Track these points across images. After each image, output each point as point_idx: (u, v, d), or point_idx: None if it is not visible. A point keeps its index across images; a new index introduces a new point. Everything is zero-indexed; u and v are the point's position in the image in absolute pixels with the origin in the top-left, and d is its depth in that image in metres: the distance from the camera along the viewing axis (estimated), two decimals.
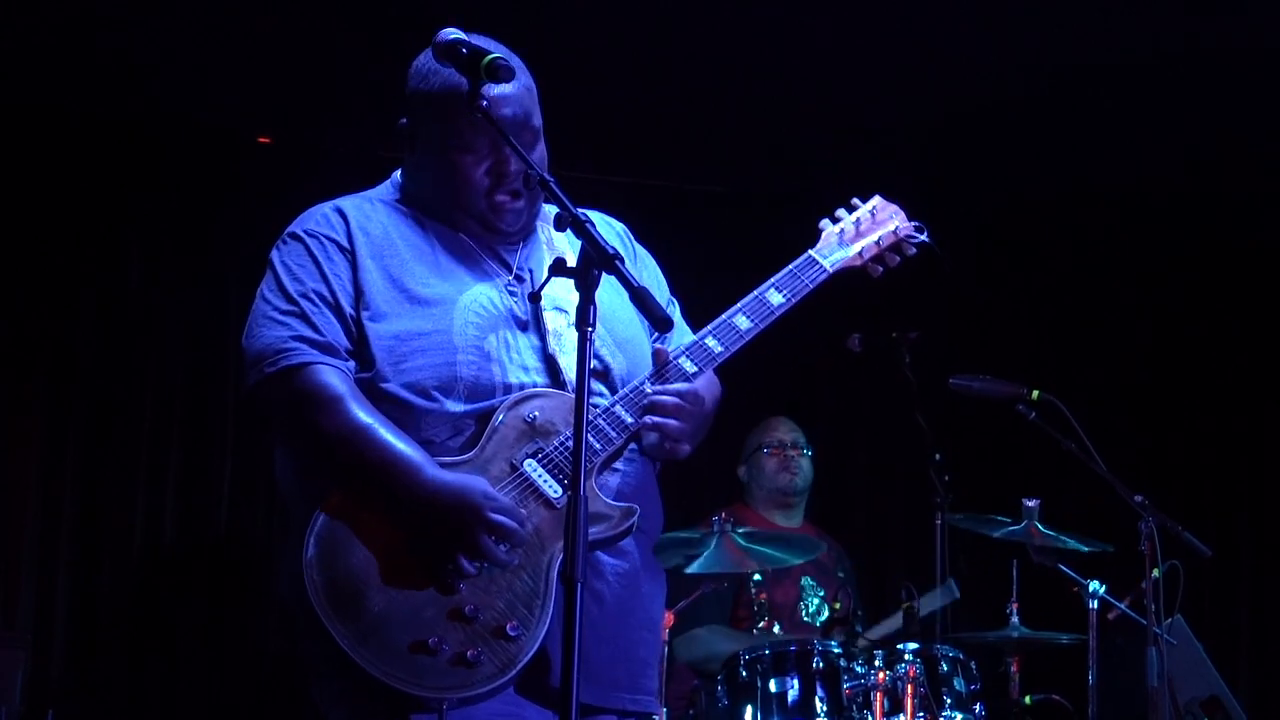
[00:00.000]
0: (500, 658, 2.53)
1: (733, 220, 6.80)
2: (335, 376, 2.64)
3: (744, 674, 4.66)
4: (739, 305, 2.91)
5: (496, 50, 2.62)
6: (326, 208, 2.89)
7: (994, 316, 7.12)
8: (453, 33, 2.61)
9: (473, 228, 2.80)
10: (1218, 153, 6.40)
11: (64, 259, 6.11)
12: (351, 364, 2.68)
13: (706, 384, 2.87)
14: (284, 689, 5.84)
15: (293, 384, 2.63)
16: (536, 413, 2.68)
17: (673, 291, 3.06)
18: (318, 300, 2.70)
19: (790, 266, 3.04)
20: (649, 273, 3.00)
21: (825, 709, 4.58)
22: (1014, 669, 5.08)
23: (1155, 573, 4.58)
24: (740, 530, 4.94)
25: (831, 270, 3.09)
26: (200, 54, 5.75)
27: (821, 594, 5.51)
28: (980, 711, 4.78)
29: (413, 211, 2.83)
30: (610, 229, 2.96)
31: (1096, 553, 5.05)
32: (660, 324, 2.47)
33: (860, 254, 3.17)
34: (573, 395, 2.56)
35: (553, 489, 2.64)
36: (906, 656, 4.64)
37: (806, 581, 5.52)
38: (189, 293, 6.24)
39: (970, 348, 6.65)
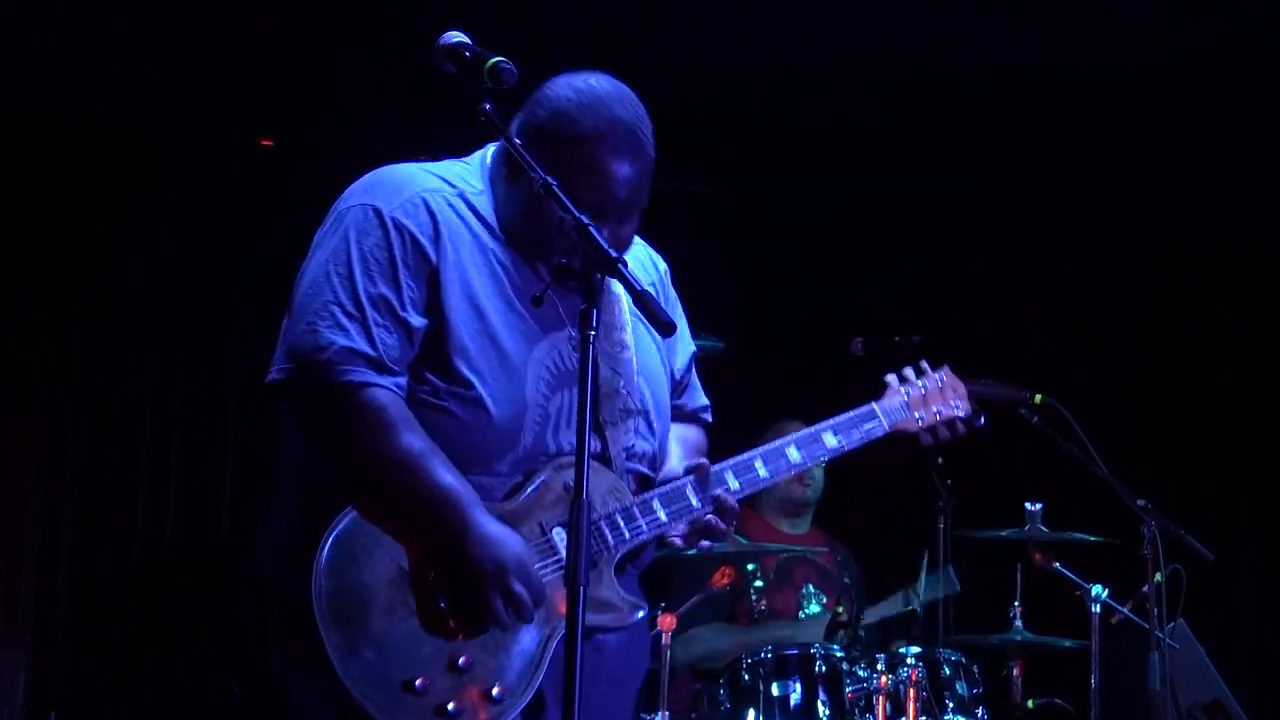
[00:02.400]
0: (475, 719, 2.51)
1: (733, 221, 6.81)
2: (389, 400, 2.54)
3: (746, 677, 4.66)
4: (793, 438, 3.02)
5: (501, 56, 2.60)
6: (415, 193, 2.67)
7: (996, 320, 7.11)
8: (455, 36, 2.60)
9: (544, 271, 2.70)
10: (1219, 153, 6.39)
11: (65, 259, 6.11)
12: (404, 380, 2.59)
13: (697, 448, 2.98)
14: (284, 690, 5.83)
15: (344, 401, 2.53)
16: None
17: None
18: (384, 310, 2.58)
19: (852, 414, 3.23)
20: (679, 322, 3.00)
21: (827, 712, 4.57)
22: (1016, 673, 5.08)
23: (1157, 577, 4.58)
24: (742, 540, 4.98)
25: (888, 430, 3.28)
26: (202, 56, 5.75)
27: (823, 600, 5.50)
28: (982, 715, 4.77)
29: (498, 226, 2.71)
30: (646, 266, 2.94)
31: (1100, 552, 5.05)
32: (664, 328, 2.46)
33: (919, 420, 3.34)
34: (614, 474, 2.68)
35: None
36: (909, 660, 4.64)
37: (808, 588, 5.51)
38: (189, 293, 6.24)
39: (972, 351, 6.62)
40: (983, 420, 3.30)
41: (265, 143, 6.40)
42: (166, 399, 6.18)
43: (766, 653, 4.69)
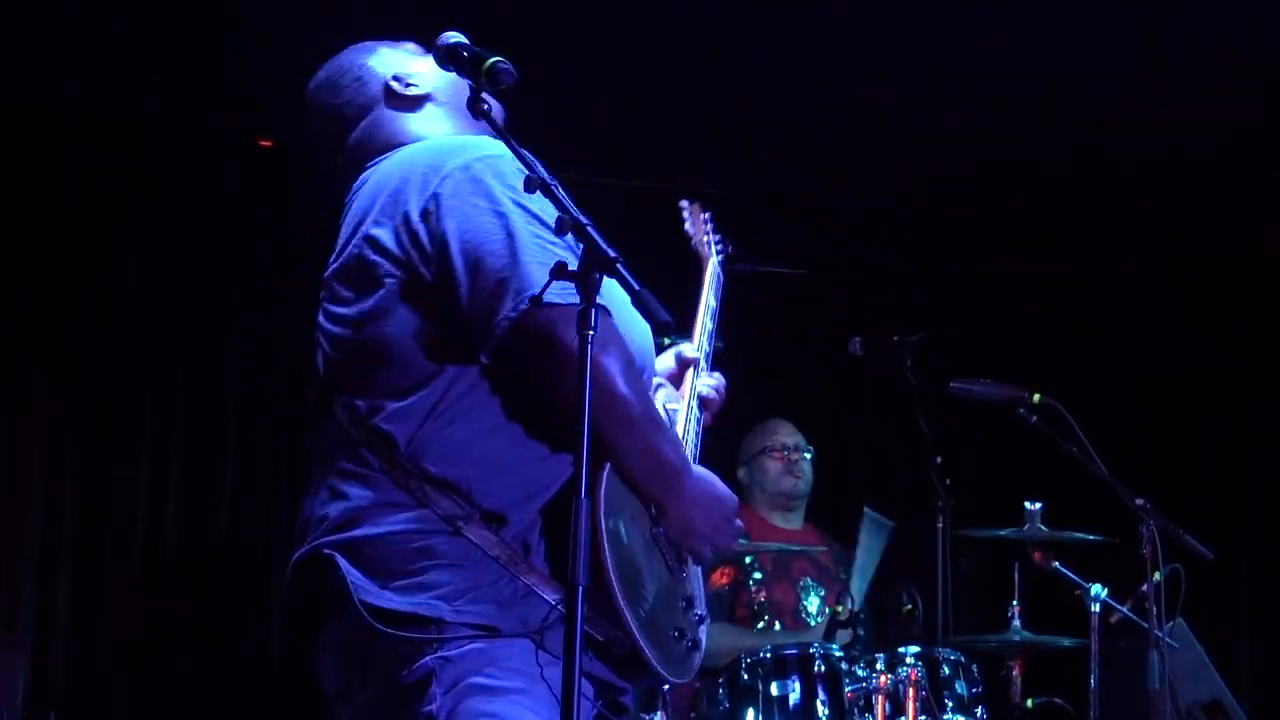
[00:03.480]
0: (700, 647, 2.61)
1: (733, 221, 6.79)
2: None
3: (745, 677, 4.66)
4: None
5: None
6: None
7: (996, 320, 7.12)
8: (454, 36, 2.61)
9: None
10: (1221, 153, 6.40)
11: (65, 259, 6.11)
12: None
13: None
14: (285, 690, 5.84)
15: (600, 323, 2.33)
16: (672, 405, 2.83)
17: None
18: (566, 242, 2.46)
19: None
20: None
21: (827, 712, 4.58)
22: (1016, 672, 5.09)
23: (1156, 576, 4.58)
24: (743, 539, 4.97)
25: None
26: (201, 56, 5.75)
27: (822, 594, 5.50)
28: (982, 714, 4.77)
29: None
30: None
31: (1099, 552, 5.05)
32: (662, 327, 2.46)
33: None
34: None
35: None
36: (908, 660, 4.64)
37: (807, 581, 5.52)
38: (190, 293, 6.24)
39: (971, 351, 6.66)
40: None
41: (265, 143, 6.41)
42: (166, 399, 6.18)
43: (766, 652, 4.70)
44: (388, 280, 2.53)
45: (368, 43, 2.99)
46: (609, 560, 2.37)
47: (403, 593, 2.42)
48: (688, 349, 3.00)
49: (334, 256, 2.68)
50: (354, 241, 2.61)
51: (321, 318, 2.67)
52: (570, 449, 2.38)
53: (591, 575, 2.27)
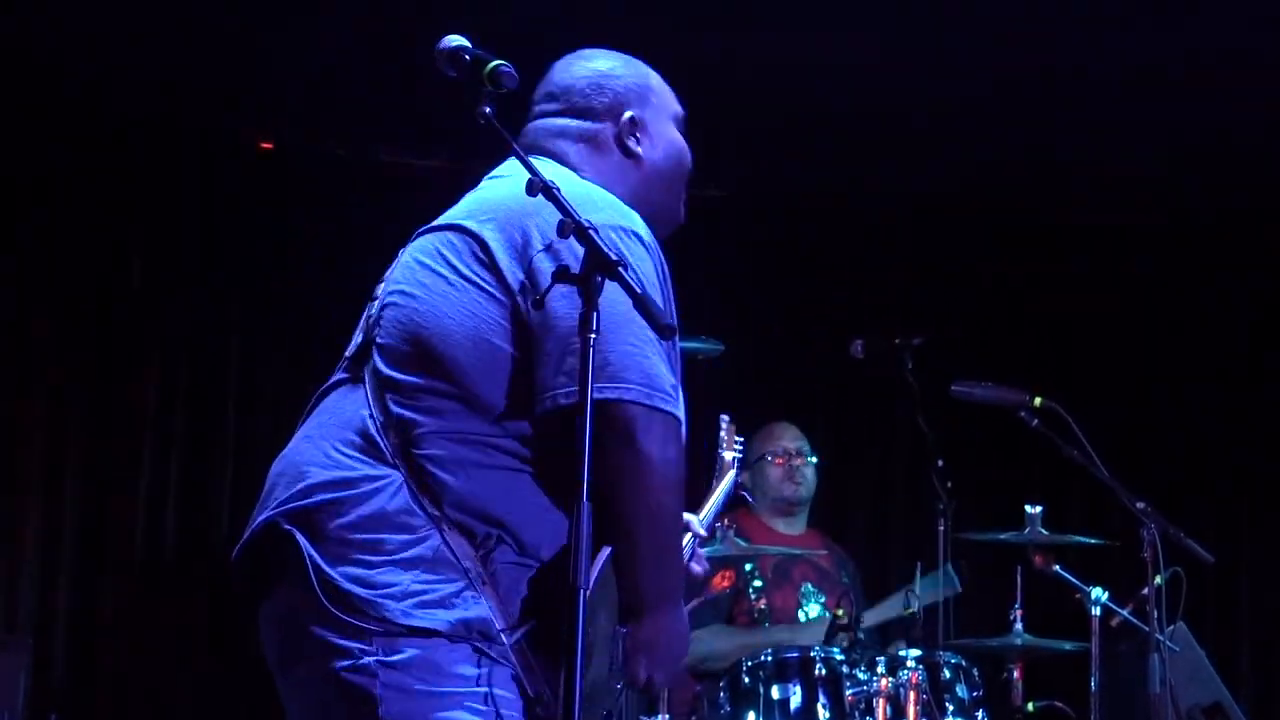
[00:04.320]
0: None
1: (732, 222, 6.81)
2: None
3: (746, 680, 4.66)
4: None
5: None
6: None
7: (996, 320, 7.12)
8: (455, 40, 2.60)
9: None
10: (1223, 153, 6.39)
11: (66, 260, 6.11)
12: None
13: None
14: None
15: (676, 438, 2.47)
16: None
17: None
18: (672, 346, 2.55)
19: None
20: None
21: (828, 715, 4.58)
22: (1016, 675, 5.08)
23: (1157, 579, 4.57)
24: (741, 541, 4.98)
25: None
26: (202, 58, 5.75)
27: (821, 599, 5.50)
28: (982, 718, 4.77)
29: None
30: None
31: (1100, 555, 5.06)
32: (664, 331, 2.45)
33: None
34: None
35: None
36: (909, 663, 4.64)
37: (807, 587, 5.51)
38: (191, 295, 6.24)
39: (972, 354, 6.65)
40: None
41: (265, 145, 6.41)
42: (168, 401, 6.18)
43: (767, 655, 4.69)
44: (499, 292, 2.50)
45: (654, 73, 2.91)
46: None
47: (357, 583, 2.41)
48: (694, 521, 2.94)
49: (467, 215, 2.61)
50: (509, 228, 2.54)
51: (404, 273, 2.61)
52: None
53: (555, 635, 2.31)
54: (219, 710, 5.98)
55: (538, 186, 2.43)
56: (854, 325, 5.69)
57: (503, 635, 2.43)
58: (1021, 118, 6.17)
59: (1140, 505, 4.63)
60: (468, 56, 2.57)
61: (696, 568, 2.90)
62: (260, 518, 2.56)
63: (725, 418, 3.75)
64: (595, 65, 2.86)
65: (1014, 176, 6.71)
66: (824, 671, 4.62)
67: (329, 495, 2.47)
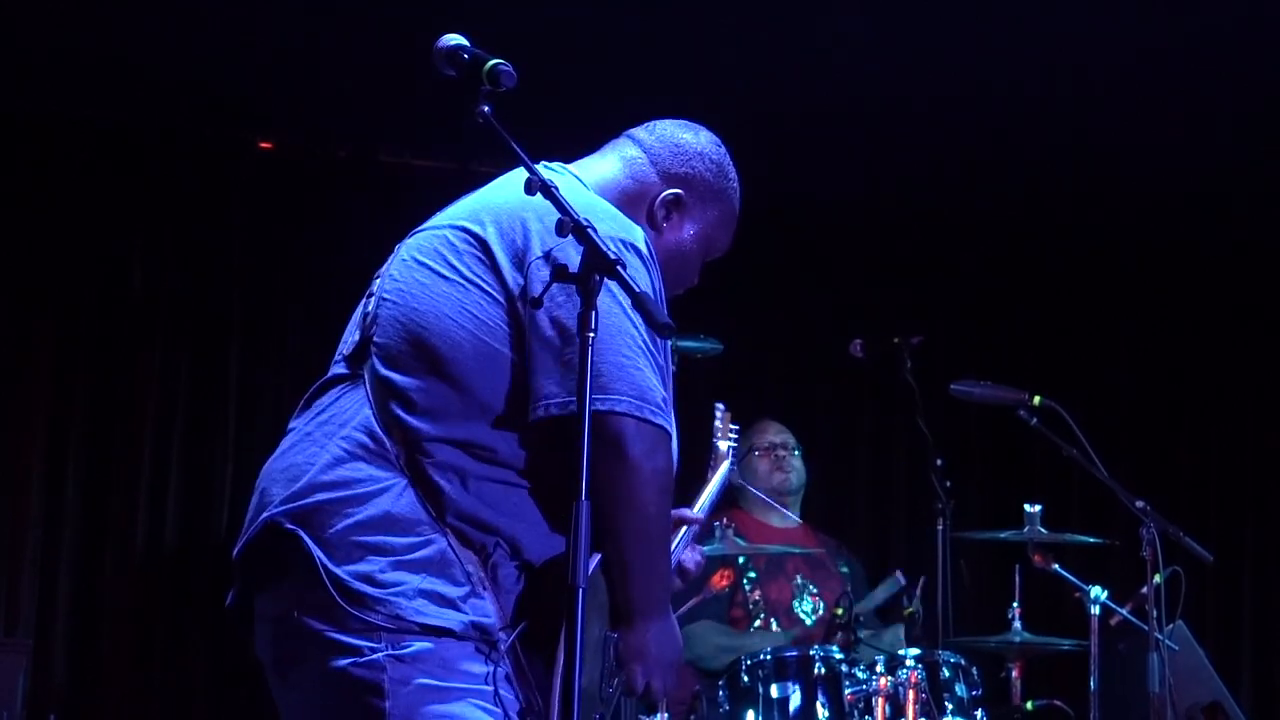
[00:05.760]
0: None
1: None
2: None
3: (745, 679, 4.66)
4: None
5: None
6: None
7: (996, 322, 7.12)
8: (454, 39, 2.59)
9: None
10: (1223, 154, 6.40)
11: (65, 259, 6.11)
12: None
13: None
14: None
15: (665, 449, 2.50)
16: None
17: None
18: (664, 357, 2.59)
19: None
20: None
21: (827, 714, 4.58)
22: (1015, 675, 5.09)
23: (1157, 578, 4.58)
24: (740, 540, 4.98)
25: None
26: (202, 58, 5.75)
27: (815, 590, 5.50)
28: (981, 717, 4.78)
29: None
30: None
31: (1099, 554, 5.06)
32: (661, 330, 2.45)
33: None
34: None
35: None
36: (908, 662, 4.65)
37: (800, 579, 5.51)
38: (191, 295, 6.25)
39: (972, 353, 6.66)
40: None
41: (265, 145, 6.41)
42: (168, 401, 6.18)
43: (765, 654, 4.70)
44: (499, 294, 2.51)
45: (736, 192, 2.98)
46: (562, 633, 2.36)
47: (365, 581, 2.42)
48: (689, 511, 3.00)
49: (468, 215, 2.62)
50: (510, 231, 2.55)
51: (402, 269, 2.62)
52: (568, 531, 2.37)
53: (545, 642, 2.37)
54: (219, 710, 5.99)
55: (536, 185, 2.44)
56: (854, 325, 5.69)
57: (502, 636, 2.45)
58: (1022, 118, 6.17)
59: (1139, 504, 4.63)
60: (466, 55, 2.56)
61: (693, 557, 2.93)
62: (262, 516, 2.55)
63: (720, 406, 3.75)
64: (700, 143, 2.93)
65: (1014, 177, 6.71)
66: (823, 670, 4.63)
67: (331, 495, 2.47)
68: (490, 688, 2.44)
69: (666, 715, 4.49)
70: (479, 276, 2.53)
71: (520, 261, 2.52)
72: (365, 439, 2.51)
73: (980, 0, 5.37)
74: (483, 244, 2.55)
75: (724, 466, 3.57)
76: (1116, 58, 5.71)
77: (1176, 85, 5.88)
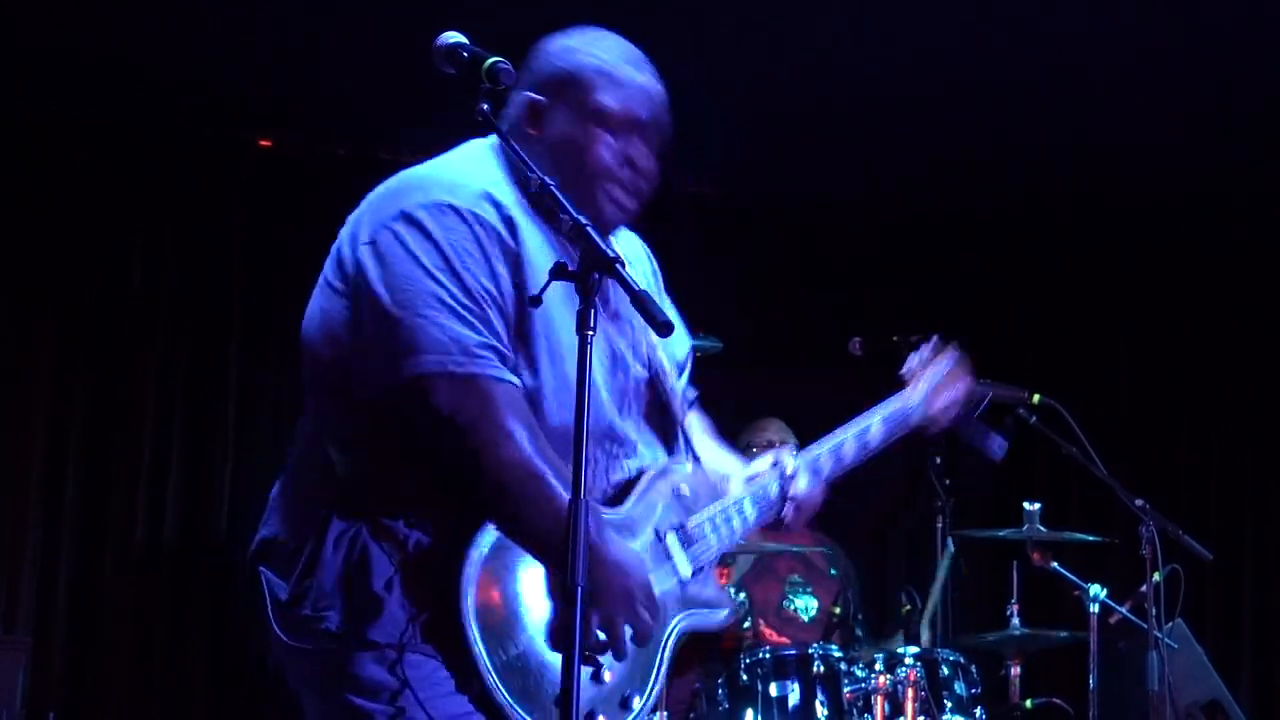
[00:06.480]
0: None
1: (732, 221, 6.82)
2: (522, 403, 2.48)
3: (744, 678, 4.66)
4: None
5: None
6: (475, 187, 2.59)
7: (996, 321, 7.12)
8: (453, 36, 2.60)
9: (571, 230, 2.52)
10: (1223, 154, 6.39)
11: (66, 260, 6.12)
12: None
13: None
14: (284, 692, 5.83)
15: (484, 396, 2.42)
16: (685, 489, 2.76)
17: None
18: (493, 305, 2.49)
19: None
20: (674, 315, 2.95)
21: (826, 713, 4.58)
22: (1015, 673, 5.09)
23: (1156, 576, 4.58)
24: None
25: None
26: (202, 57, 5.75)
27: (809, 589, 5.49)
28: (981, 715, 4.78)
29: (535, 212, 2.63)
30: (642, 259, 2.95)
31: (1098, 552, 5.05)
32: (662, 328, 2.44)
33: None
34: (713, 473, 2.81)
35: (684, 566, 2.70)
36: (907, 660, 4.65)
37: (793, 579, 5.51)
38: (190, 294, 6.25)
39: (971, 351, 6.64)
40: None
41: (265, 143, 6.41)
42: (167, 400, 6.19)
43: (765, 653, 4.70)
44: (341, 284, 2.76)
45: (596, 59, 2.80)
46: (470, 606, 2.41)
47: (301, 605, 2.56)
48: (790, 462, 2.99)
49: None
50: (353, 221, 2.80)
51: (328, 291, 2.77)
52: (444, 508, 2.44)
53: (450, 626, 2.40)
54: (218, 709, 5.99)
55: (535, 183, 2.45)
56: (854, 324, 5.68)
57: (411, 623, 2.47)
58: (1022, 118, 6.17)
59: (1139, 502, 4.64)
60: (465, 53, 2.57)
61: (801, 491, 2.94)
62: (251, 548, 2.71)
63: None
64: (538, 48, 2.84)
65: (1014, 177, 6.71)
66: (822, 669, 4.63)
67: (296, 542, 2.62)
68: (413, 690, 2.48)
69: (666, 714, 4.49)
70: (331, 274, 2.81)
71: (352, 248, 2.73)
72: (309, 467, 2.77)
73: (980, 0, 5.37)
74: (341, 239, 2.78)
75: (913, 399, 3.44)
76: (1116, 58, 5.72)
77: (1176, 85, 5.88)
